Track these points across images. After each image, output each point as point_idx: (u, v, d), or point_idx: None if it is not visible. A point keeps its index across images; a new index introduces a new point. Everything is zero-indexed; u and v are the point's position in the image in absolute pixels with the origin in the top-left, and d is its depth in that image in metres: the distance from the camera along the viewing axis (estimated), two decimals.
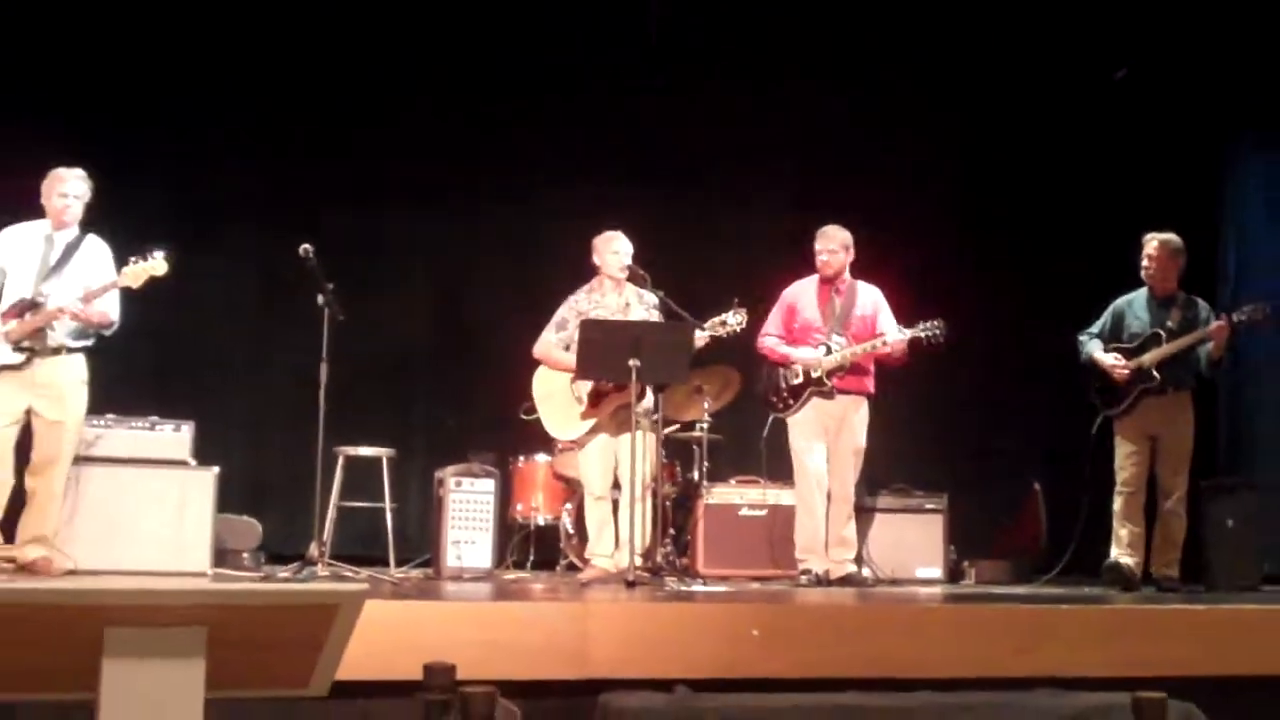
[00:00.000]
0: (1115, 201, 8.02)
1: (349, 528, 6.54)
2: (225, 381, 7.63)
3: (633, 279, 6.23)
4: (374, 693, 3.66)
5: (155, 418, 6.22)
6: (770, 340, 6.39)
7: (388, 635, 3.68)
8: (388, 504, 6.40)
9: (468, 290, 8.23)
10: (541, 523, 7.12)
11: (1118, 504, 6.44)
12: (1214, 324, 6.27)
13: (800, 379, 6.27)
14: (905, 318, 6.33)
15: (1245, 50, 8.13)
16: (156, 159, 7.42)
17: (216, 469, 6.17)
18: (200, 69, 7.55)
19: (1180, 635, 4.52)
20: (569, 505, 6.99)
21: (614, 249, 6.22)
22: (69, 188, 5.67)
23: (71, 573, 5.56)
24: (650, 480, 6.02)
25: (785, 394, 6.31)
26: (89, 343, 5.68)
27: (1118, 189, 8.13)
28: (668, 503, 6.79)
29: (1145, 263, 6.49)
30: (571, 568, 6.79)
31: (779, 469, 6.61)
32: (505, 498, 6.89)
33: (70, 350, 5.60)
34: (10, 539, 5.53)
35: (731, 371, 6.97)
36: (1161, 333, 6.37)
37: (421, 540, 7.07)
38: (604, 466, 6.12)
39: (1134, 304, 6.56)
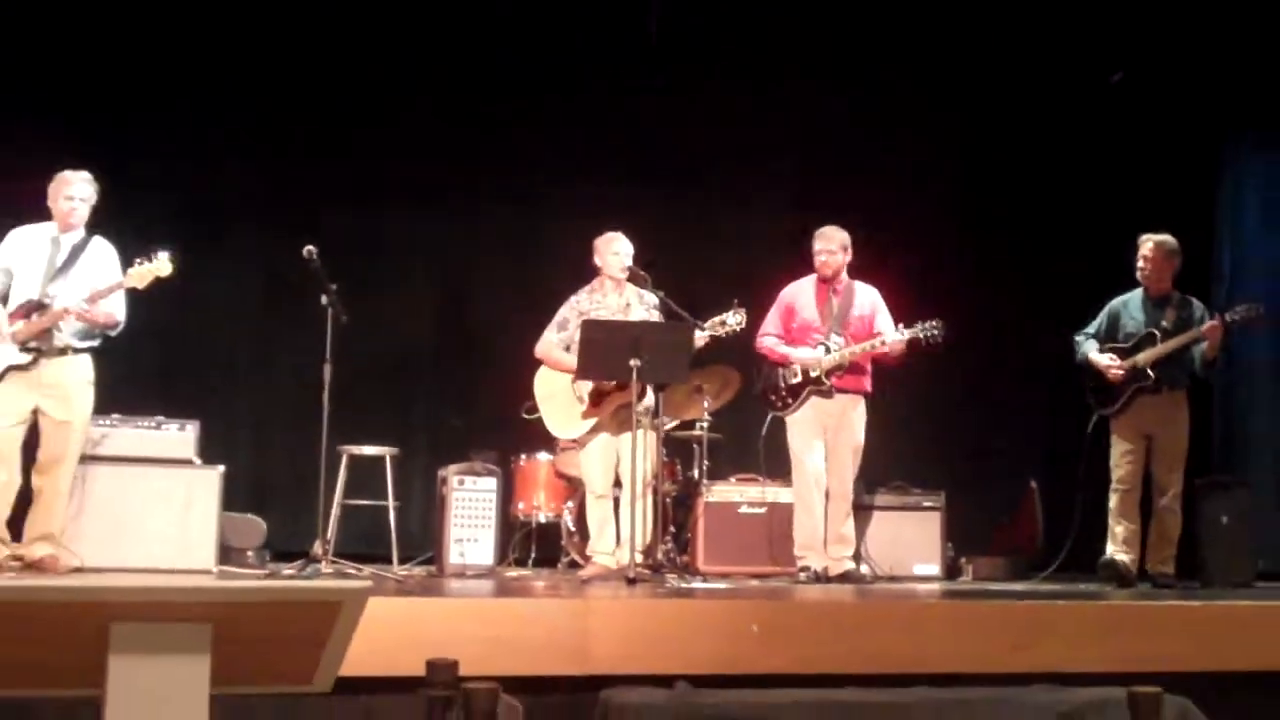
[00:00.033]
0: (1112, 202, 8.02)
1: (353, 526, 6.55)
2: (230, 381, 7.64)
3: (633, 279, 6.23)
4: (377, 689, 3.67)
5: (161, 417, 6.22)
6: (769, 340, 6.39)
7: (391, 632, 3.68)
8: (391, 502, 6.41)
9: (470, 290, 8.23)
10: (543, 520, 7.11)
11: (1113, 502, 6.45)
12: (1208, 324, 6.27)
13: (799, 378, 6.27)
14: (904, 317, 6.33)
15: (1239, 53, 8.14)
16: (161, 161, 7.42)
17: (221, 468, 6.17)
18: (204, 71, 7.55)
19: (1175, 631, 4.53)
20: (570, 503, 6.99)
21: (615, 250, 6.23)
22: (75, 190, 5.67)
23: (78, 570, 5.56)
24: (651, 478, 6.03)
25: (784, 393, 6.31)
26: (95, 343, 5.68)
27: (1114, 190, 8.13)
28: (668, 500, 6.79)
29: (1140, 264, 6.50)
30: (573, 565, 6.79)
31: (778, 467, 6.61)
32: (507, 496, 6.89)
33: (76, 351, 5.60)
34: (17, 537, 5.53)
35: (731, 371, 6.97)
36: (1156, 333, 6.37)
37: (424, 538, 7.08)
38: (605, 465, 6.13)
39: (1129, 304, 6.57)
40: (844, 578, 6.21)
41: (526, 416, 6.49)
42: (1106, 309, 6.65)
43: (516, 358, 6.47)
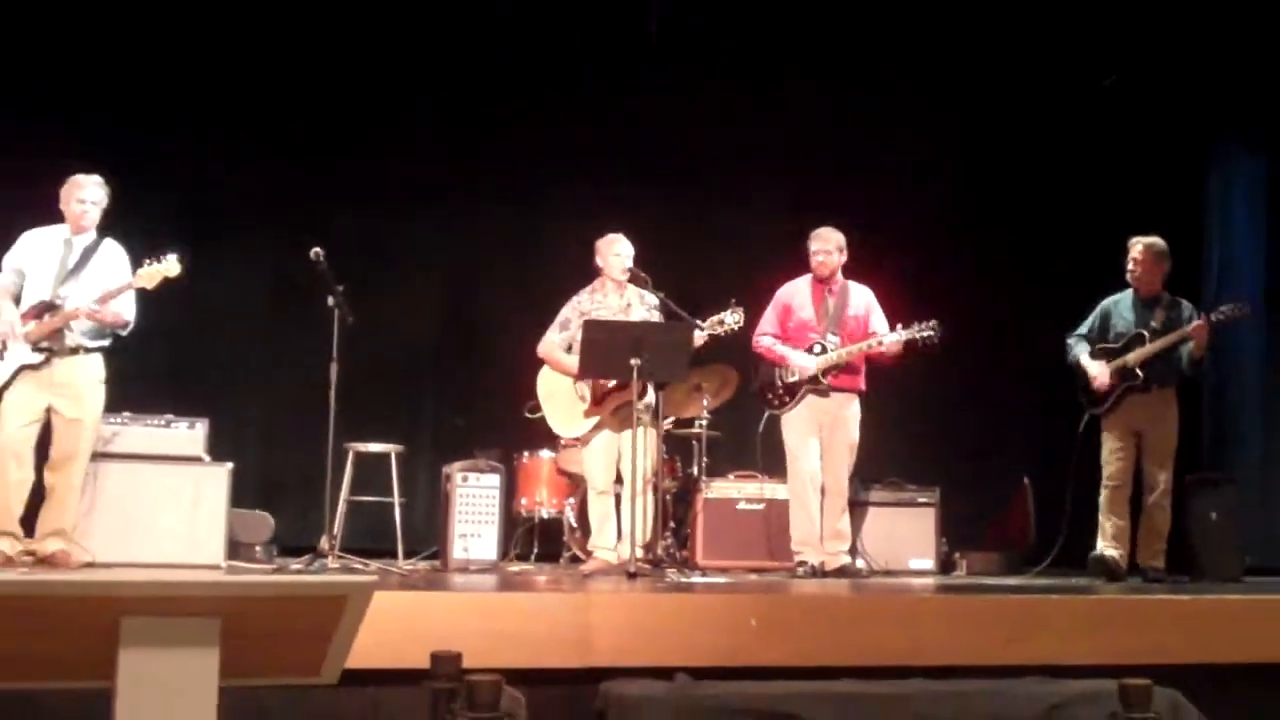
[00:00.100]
0: (1104, 204, 8.01)
1: (359, 521, 6.55)
2: (238, 380, 7.63)
3: (634, 280, 6.23)
4: (383, 681, 3.67)
5: (170, 416, 6.22)
6: (767, 340, 6.39)
7: (396, 625, 3.68)
8: (396, 498, 6.41)
9: (473, 291, 8.23)
10: (545, 516, 7.12)
11: (1103, 498, 6.45)
12: (1194, 324, 6.28)
13: (796, 377, 6.28)
14: (899, 317, 6.32)
15: (1226, 57, 8.14)
16: (171, 165, 7.43)
17: (230, 465, 6.17)
18: (211, 77, 7.55)
19: (1165, 625, 4.53)
20: (572, 499, 6.99)
21: (616, 251, 6.23)
22: (87, 193, 5.67)
23: (89, 565, 5.56)
24: (651, 475, 6.02)
25: (781, 391, 6.31)
26: (106, 343, 5.68)
27: (1106, 191, 8.12)
28: (668, 497, 6.80)
29: (1130, 266, 6.51)
30: (574, 560, 6.79)
31: (775, 464, 6.61)
32: (510, 492, 6.90)
33: (88, 350, 5.60)
34: (30, 533, 5.53)
35: (729, 370, 6.97)
36: (1145, 333, 6.38)
37: (429, 533, 7.08)
38: (607, 462, 6.13)
39: (1120, 304, 6.58)
40: (840, 572, 6.21)
41: (529, 415, 6.50)
42: (1098, 309, 6.66)
43: (519, 357, 6.47)
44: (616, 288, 6.27)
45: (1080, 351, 6.54)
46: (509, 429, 7.08)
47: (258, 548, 6.52)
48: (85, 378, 5.59)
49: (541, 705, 3.59)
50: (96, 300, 5.52)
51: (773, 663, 4.07)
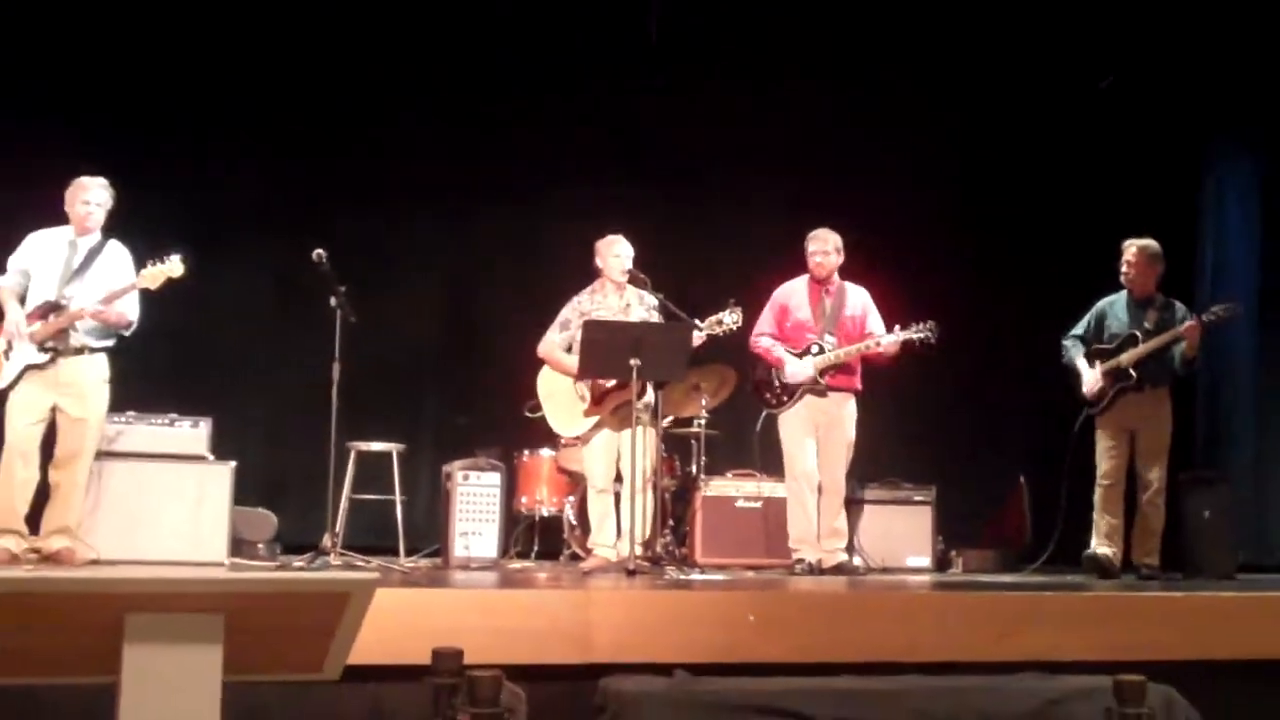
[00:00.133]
0: (1100, 205, 8.01)
1: (360, 519, 6.55)
2: (241, 380, 7.63)
3: (633, 281, 6.23)
4: (385, 677, 3.67)
5: (174, 415, 6.21)
6: (765, 341, 6.38)
7: (398, 622, 3.68)
8: (398, 496, 6.41)
9: (473, 292, 8.23)
10: (545, 514, 7.12)
11: (1097, 496, 6.46)
12: (1186, 324, 6.29)
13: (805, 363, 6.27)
14: (896, 318, 6.32)
15: (1223, 61, 8.15)
16: (175, 167, 7.42)
17: (233, 463, 6.16)
18: (214, 79, 7.55)
19: (1159, 621, 4.53)
20: (572, 497, 6.99)
21: (616, 252, 6.23)
22: (91, 195, 5.67)
23: (94, 562, 5.56)
24: (650, 474, 6.03)
25: (779, 391, 6.31)
26: (110, 343, 5.68)
27: (1102, 193, 8.13)
28: (667, 495, 6.80)
29: (1124, 268, 6.52)
30: (574, 557, 6.79)
31: (773, 463, 6.61)
32: (511, 490, 6.90)
33: (92, 350, 5.60)
34: (35, 530, 5.53)
35: (728, 369, 6.97)
36: (1138, 333, 6.40)
37: (430, 531, 7.07)
38: (606, 460, 6.13)
39: (1115, 305, 6.60)
40: (837, 569, 6.21)
41: (530, 415, 6.50)
42: (1093, 310, 6.67)
43: (519, 357, 6.47)
44: (616, 288, 6.27)
45: (1076, 354, 6.56)
46: (509, 428, 7.08)
47: (261, 545, 6.52)
48: (90, 377, 5.59)
49: (542, 701, 3.59)
50: (101, 300, 5.52)
51: (770, 659, 4.07)
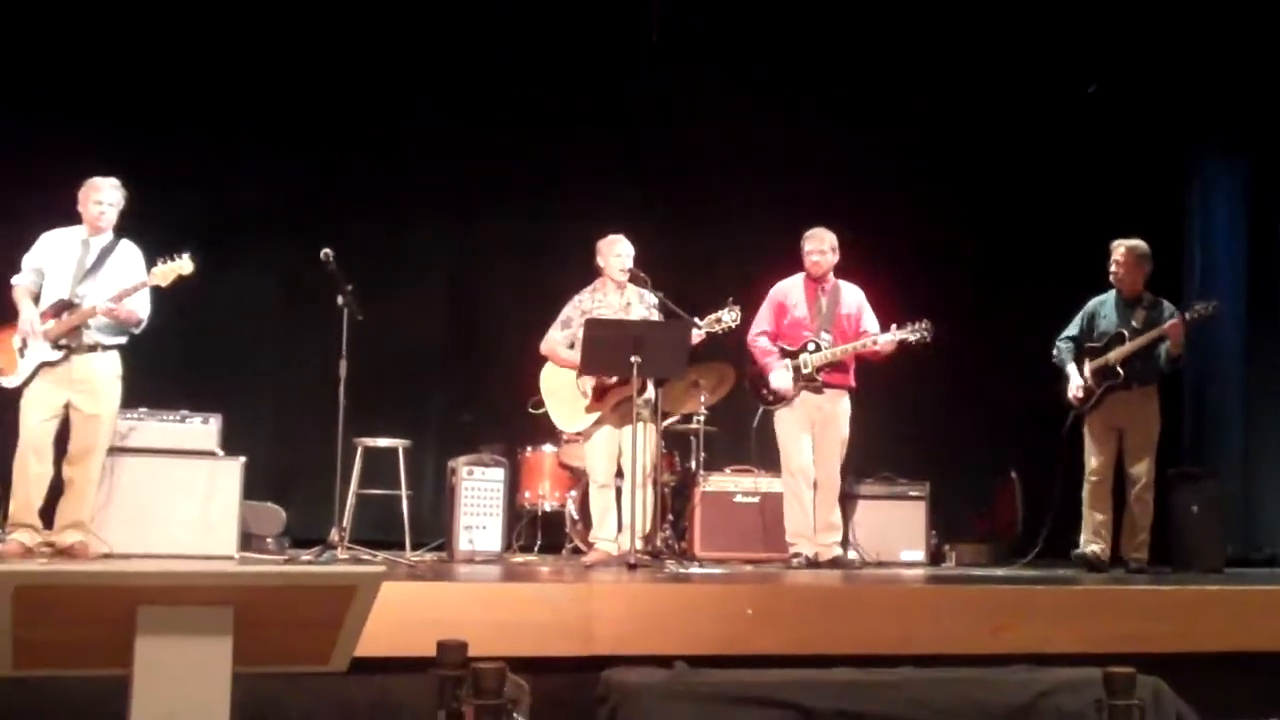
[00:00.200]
0: (1089, 206, 8.01)
1: (367, 514, 6.54)
2: (251, 377, 7.62)
3: (634, 280, 6.23)
4: (391, 668, 3.66)
5: (185, 411, 6.22)
6: (763, 342, 6.38)
7: (403, 614, 3.68)
8: (404, 491, 6.40)
9: (477, 291, 8.22)
10: (548, 509, 7.12)
11: (1086, 492, 6.47)
12: (1169, 322, 6.30)
13: (791, 374, 6.28)
14: (890, 316, 6.33)
15: (1208, 64, 8.15)
16: (185, 168, 7.41)
17: (243, 459, 6.17)
18: (225, 84, 7.54)
19: (1148, 614, 4.53)
20: (574, 492, 6.99)
21: (617, 252, 6.22)
22: (104, 195, 5.67)
23: (106, 556, 5.56)
24: (650, 469, 6.03)
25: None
26: (123, 340, 5.68)
27: (1092, 196, 8.12)
28: (667, 490, 6.80)
29: (1113, 268, 6.54)
30: (576, 551, 6.79)
31: (770, 459, 6.61)
32: (514, 485, 6.89)
33: (105, 347, 5.60)
34: (49, 525, 5.53)
35: (726, 367, 6.97)
36: (1125, 332, 6.41)
37: (435, 525, 7.07)
38: (608, 456, 6.13)
39: (1105, 305, 6.61)
40: (833, 563, 6.22)
41: (533, 411, 6.49)
42: (1084, 310, 6.68)
43: (522, 355, 6.47)
44: (617, 287, 6.27)
45: (1066, 358, 6.60)
46: (513, 424, 7.07)
47: (269, 539, 6.52)
48: (103, 374, 5.59)
49: (545, 692, 3.58)
50: (112, 298, 5.52)
51: (768, 651, 4.07)
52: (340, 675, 2.51)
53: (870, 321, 6.39)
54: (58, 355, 5.50)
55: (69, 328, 5.51)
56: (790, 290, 6.43)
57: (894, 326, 6.25)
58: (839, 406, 6.30)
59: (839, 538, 6.37)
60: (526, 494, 7.10)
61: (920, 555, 6.96)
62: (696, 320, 5.95)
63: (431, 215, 8.06)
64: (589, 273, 6.37)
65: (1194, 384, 8.32)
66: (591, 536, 6.27)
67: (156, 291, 5.66)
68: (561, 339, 6.23)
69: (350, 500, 6.25)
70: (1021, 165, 8.36)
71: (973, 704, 3.91)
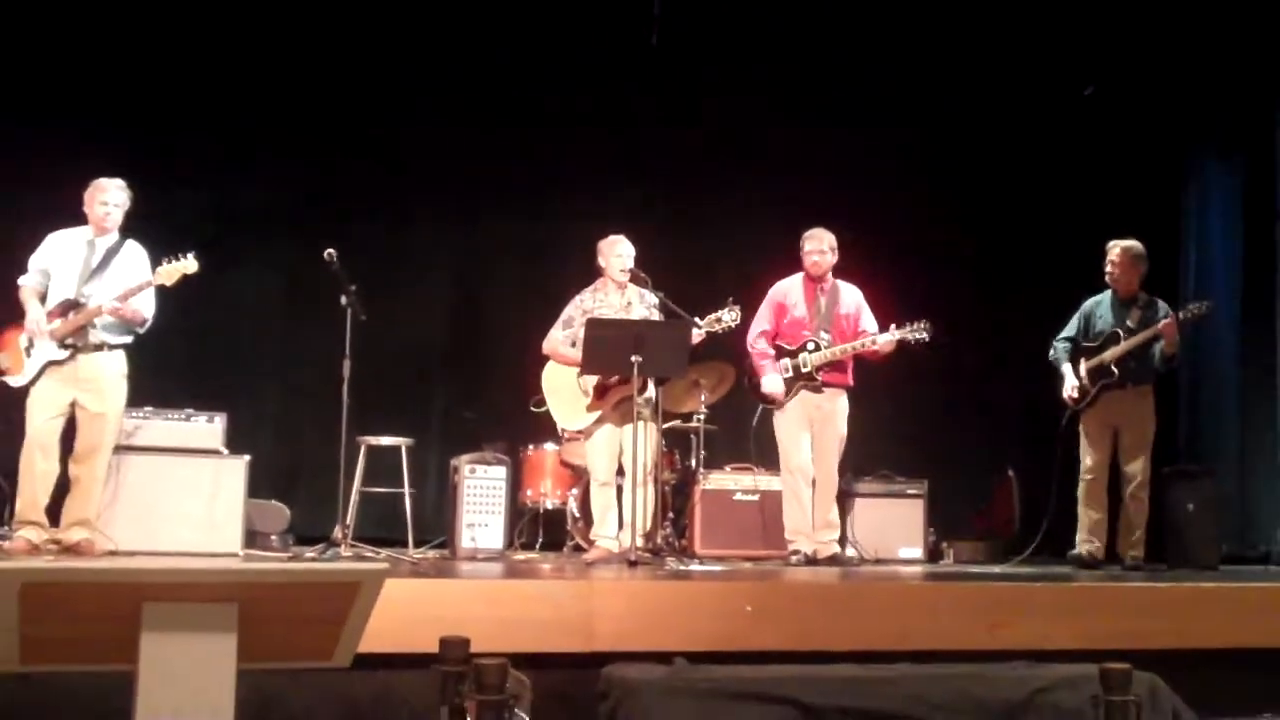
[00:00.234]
0: (1086, 207, 8.01)
1: (370, 512, 6.54)
2: (255, 376, 7.63)
3: (635, 280, 6.23)
4: (394, 664, 3.67)
5: (190, 410, 6.22)
6: (762, 343, 6.38)
7: (406, 611, 3.69)
8: (406, 489, 6.40)
9: (480, 291, 8.22)
10: (550, 507, 7.12)
11: (1081, 490, 6.49)
12: (1162, 322, 6.30)
13: (791, 373, 6.28)
14: (889, 316, 6.33)
15: (1205, 67, 8.15)
16: (190, 169, 7.40)
17: (247, 457, 6.17)
18: (230, 86, 7.54)
19: (1144, 611, 4.53)
20: (575, 490, 6.99)
21: (618, 252, 6.22)
22: (109, 196, 5.68)
23: (112, 553, 5.57)
24: (651, 467, 6.03)
25: None
26: (128, 339, 5.69)
27: (1089, 196, 8.12)
28: (667, 488, 6.81)
29: (1109, 268, 6.54)
30: (577, 548, 6.79)
31: (769, 457, 6.61)
32: (516, 483, 6.89)
33: (111, 347, 5.61)
34: (55, 522, 5.54)
35: (726, 366, 6.97)
36: (1120, 332, 6.42)
37: (438, 523, 7.07)
38: (609, 454, 6.13)
39: (1101, 305, 6.62)
40: (832, 560, 6.22)
41: (534, 409, 6.50)
42: (1080, 310, 6.69)
43: (524, 354, 6.47)
44: (617, 287, 6.27)
45: (1062, 357, 6.61)
46: (515, 423, 7.08)
47: (274, 537, 6.52)
48: (108, 373, 5.60)
49: (546, 688, 3.59)
50: (118, 297, 5.53)
51: (767, 647, 4.07)
52: (343, 671, 2.51)
53: (869, 321, 6.40)
54: (64, 354, 5.51)
55: (75, 327, 5.52)
56: (790, 290, 6.44)
57: (893, 326, 6.25)
58: (837, 405, 6.30)
59: (837, 535, 6.37)
60: (528, 492, 7.10)
61: (918, 553, 6.95)
62: (697, 320, 5.95)
63: (433, 215, 8.06)
64: (589, 272, 6.37)
65: (1190, 383, 8.32)
66: (593, 534, 6.27)
67: (161, 291, 5.66)
68: (563, 338, 6.23)
69: (354, 498, 6.25)
70: (1020, 166, 8.36)
71: (970, 700, 3.91)
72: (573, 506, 7.00)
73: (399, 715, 3.76)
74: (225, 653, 2.23)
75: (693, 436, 7.11)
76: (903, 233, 7.84)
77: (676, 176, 8.02)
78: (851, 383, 6.37)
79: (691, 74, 7.99)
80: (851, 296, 6.44)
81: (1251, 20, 7.72)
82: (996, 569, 6.48)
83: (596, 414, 6.13)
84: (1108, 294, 6.59)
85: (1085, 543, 6.41)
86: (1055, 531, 6.59)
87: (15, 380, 5.54)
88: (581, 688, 3.87)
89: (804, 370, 6.25)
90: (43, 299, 5.60)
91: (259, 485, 6.38)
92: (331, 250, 5.68)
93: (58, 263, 5.65)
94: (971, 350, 7.88)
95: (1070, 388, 6.47)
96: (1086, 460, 6.46)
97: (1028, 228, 8.28)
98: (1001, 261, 8.28)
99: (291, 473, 7.26)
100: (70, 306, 5.55)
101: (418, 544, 6.41)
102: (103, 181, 5.70)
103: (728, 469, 7.06)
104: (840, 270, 6.46)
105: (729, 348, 6.58)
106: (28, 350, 5.53)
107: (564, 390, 6.20)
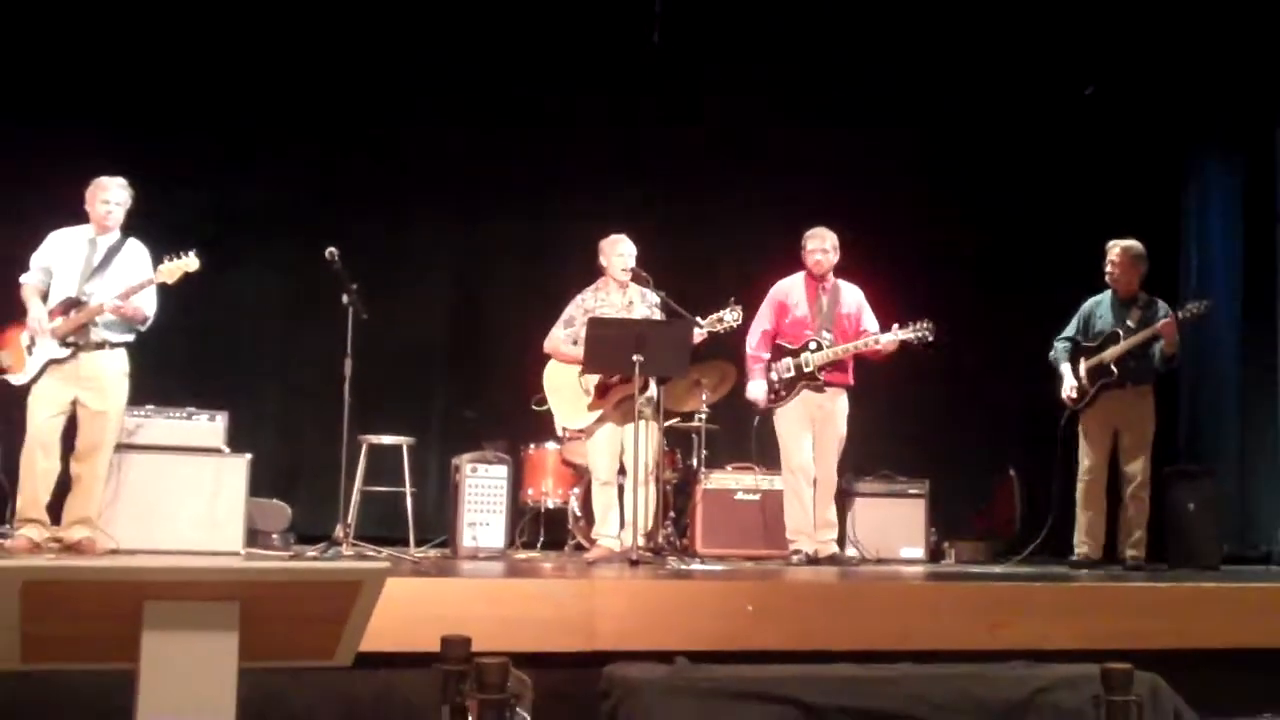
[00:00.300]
0: (1087, 207, 8.00)
1: (372, 510, 6.53)
2: (257, 375, 7.63)
3: (636, 279, 6.22)
4: (395, 663, 3.67)
5: (192, 408, 6.22)
6: (758, 345, 6.37)
7: (408, 610, 3.68)
8: (408, 488, 6.39)
9: (481, 290, 8.21)
10: (551, 506, 7.12)
11: (1080, 490, 6.48)
12: (1162, 321, 6.29)
13: (792, 373, 6.27)
14: (890, 315, 6.32)
15: (1206, 67, 8.15)
16: (192, 168, 7.40)
17: (249, 456, 6.17)
18: (232, 84, 7.54)
19: (1145, 611, 4.53)
20: (576, 489, 6.99)
21: (619, 251, 6.22)
22: (111, 195, 5.67)
23: (113, 552, 5.57)
24: (652, 467, 6.02)
25: (778, 386, 6.31)
26: (130, 338, 5.69)
27: (1090, 196, 8.11)
28: (668, 487, 6.81)
29: (1109, 268, 6.54)
30: (579, 547, 6.79)
31: (770, 456, 6.60)
32: (517, 482, 6.89)
33: (113, 345, 5.61)
34: (57, 521, 5.53)
35: (728, 366, 6.96)
36: (1120, 331, 6.42)
37: (439, 522, 7.07)
38: (610, 453, 6.13)
39: (1101, 305, 6.62)
40: (832, 559, 6.22)
41: (536, 408, 6.49)
42: (1081, 310, 6.69)
43: (525, 353, 6.47)
44: (619, 286, 6.26)
45: (1062, 358, 6.62)
46: (516, 422, 7.07)
47: (275, 535, 6.52)
48: (110, 371, 5.60)
49: (548, 687, 3.58)
50: (119, 295, 5.52)
51: (768, 647, 4.07)
52: (345, 670, 2.51)
53: (870, 321, 6.39)
54: (65, 352, 5.51)
55: (77, 325, 5.51)
56: (791, 289, 6.43)
57: (895, 326, 6.25)
58: (838, 404, 6.30)
59: (835, 534, 6.37)
60: (529, 491, 7.09)
61: (919, 552, 6.95)
62: (698, 320, 5.95)
63: (433, 215, 8.06)
64: (590, 272, 6.37)
65: (1190, 383, 8.32)
66: (594, 533, 6.27)
67: (163, 289, 5.66)
68: (564, 337, 6.23)
69: (355, 497, 6.24)
70: (1020, 166, 8.35)
71: (971, 700, 3.91)
72: (574, 506, 6.99)
73: (400, 714, 3.76)
74: (227, 651, 2.22)
75: (694, 436, 7.11)
76: (903, 233, 7.84)
77: (677, 176, 8.02)
78: (852, 382, 6.36)
79: (692, 73, 7.98)
80: (853, 296, 6.44)
81: (1251, 21, 7.72)
82: (997, 569, 6.48)
83: (598, 413, 6.12)
84: (1108, 294, 6.59)
85: (1083, 544, 6.40)
86: (1057, 531, 6.59)
87: (17, 378, 5.53)
88: (583, 687, 3.86)
89: (806, 370, 6.24)
90: (44, 297, 5.59)
91: (260, 484, 6.37)
92: (333, 249, 5.68)
93: (59, 261, 5.64)
94: (971, 350, 7.87)
95: (1069, 388, 6.47)
96: (1085, 461, 6.46)
97: (1028, 228, 8.28)
98: (1001, 261, 8.27)
99: (293, 471, 7.26)
100: (72, 305, 5.55)
101: (419, 543, 6.41)
102: (104, 180, 5.70)
103: (729, 468, 7.06)
104: (841, 270, 6.46)
105: (730, 347, 6.58)
106: (29, 348, 5.52)
107: (565, 389, 6.20)
